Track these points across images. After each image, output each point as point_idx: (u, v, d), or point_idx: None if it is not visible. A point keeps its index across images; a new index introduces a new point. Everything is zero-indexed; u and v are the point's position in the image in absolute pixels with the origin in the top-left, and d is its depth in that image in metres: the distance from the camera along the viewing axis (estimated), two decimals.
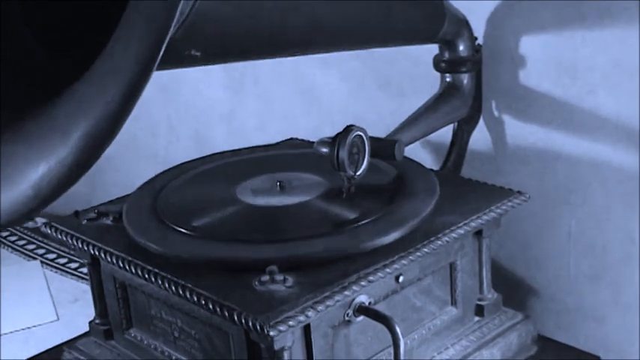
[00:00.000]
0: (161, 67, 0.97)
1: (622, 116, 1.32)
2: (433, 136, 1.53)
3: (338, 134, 1.17)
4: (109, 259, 1.15)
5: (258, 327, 0.95)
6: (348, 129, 1.17)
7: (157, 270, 1.08)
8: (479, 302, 1.27)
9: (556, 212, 1.44)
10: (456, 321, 1.23)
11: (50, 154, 0.67)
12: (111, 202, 1.30)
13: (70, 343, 1.33)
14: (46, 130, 0.69)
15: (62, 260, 2.24)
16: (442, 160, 1.49)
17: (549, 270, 1.47)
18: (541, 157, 1.43)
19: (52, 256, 2.30)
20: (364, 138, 1.19)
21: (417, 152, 1.52)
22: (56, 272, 2.20)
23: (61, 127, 0.68)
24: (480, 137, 1.49)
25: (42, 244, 2.37)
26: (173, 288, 1.05)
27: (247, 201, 1.21)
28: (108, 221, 1.23)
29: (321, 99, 1.76)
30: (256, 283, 1.02)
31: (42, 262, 2.28)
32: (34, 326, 1.90)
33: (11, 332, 1.89)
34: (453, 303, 1.23)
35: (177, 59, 0.89)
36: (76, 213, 1.25)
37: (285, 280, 1.02)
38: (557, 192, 1.43)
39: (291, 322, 0.97)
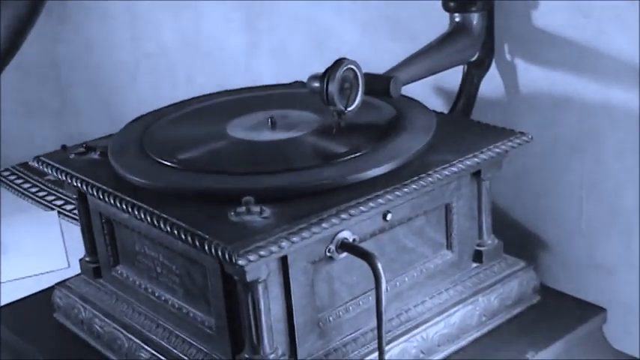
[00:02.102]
0: None
1: (636, 57, 1.25)
2: (446, 83, 1.48)
3: (328, 68, 1.12)
4: (91, 191, 1.12)
5: (227, 256, 0.92)
6: (339, 62, 1.13)
7: (134, 201, 1.06)
8: (477, 248, 1.22)
9: (568, 160, 1.37)
10: (452, 265, 1.19)
11: None
12: (102, 138, 1.28)
13: (61, 283, 1.31)
14: None
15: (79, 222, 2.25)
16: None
17: (560, 221, 1.41)
18: (553, 102, 1.37)
19: (69, 207, 2.31)
20: (357, 72, 1.14)
21: (429, 98, 1.47)
22: (71, 222, 2.21)
23: None
24: (491, 83, 1.43)
25: (61, 196, 2.38)
26: (149, 218, 1.02)
27: (237, 136, 1.18)
28: (95, 155, 1.21)
29: (335, 46, 1.72)
30: (232, 213, 0.99)
31: (59, 212, 2.29)
32: (46, 272, 1.91)
33: (23, 278, 1.91)
34: (449, 247, 1.18)
35: None
36: (64, 147, 1.23)
37: (261, 211, 0.99)
38: (569, 139, 1.36)
39: (262, 252, 0.93)
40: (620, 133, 1.30)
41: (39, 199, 2.40)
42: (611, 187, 1.33)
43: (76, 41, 2.68)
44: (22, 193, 2.45)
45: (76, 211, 2.25)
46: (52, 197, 2.39)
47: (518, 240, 1.43)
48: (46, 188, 2.45)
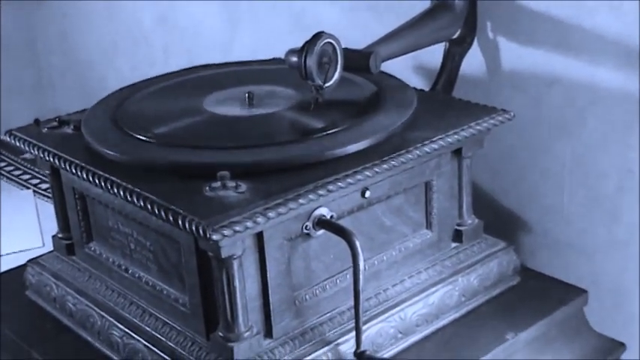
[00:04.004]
0: None
1: (622, 36, 1.23)
2: (426, 61, 1.46)
3: (307, 41, 1.10)
4: (64, 166, 1.09)
5: (202, 231, 0.89)
6: (317, 36, 1.10)
7: (107, 175, 1.03)
8: (457, 227, 1.20)
9: (551, 141, 1.36)
10: (431, 245, 1.17)
11: None
12: (76, 112, 1.25)
13: (33, 260, 1.28)
14: None
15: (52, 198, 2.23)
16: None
17: (542, 203, 1.40)
18: (537, 82, 1.35)
19: (45, 186, 2.28)
20: (336, 47, 1.12)
21: (409, 77, 1.45)
22: (47, 201, 2.18)
23: None
24: (473, 61, 1.41)
25: (36, 175, 2.35)
26: (122, 193, 1.00)
27: (213, 111, 1.15)
28: (69, 130, 1.18)
29: (315, 24, 1.68)
30: (207, 188, 0.96)
31: (35, 191, 2.26)
32: (20, 251, 1.88)
33: None
34: (428, 226, 1.16)
35: None
36: (37, 121, 1.20)
37: (237, 186, 0.96)
38: (552, 119, 1.35)
39: (237, 228, 0.91)
40: (605, 113, 1.28)
41: (14, 178, 2.37)
42: (594, 168, 1.31)
43: (52, 20, 2.64)
44: None
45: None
46: (28, 176, 2.36)
47: (499, 221, 1.41)
48: (21, 167, 2.42)
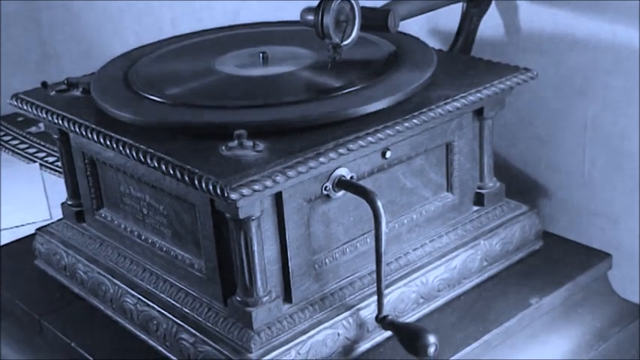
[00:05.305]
0: None
1: None
2: (442, 24, 1.42)
3: None
4: (74, 128, 1.06)
5: (219, 190, 0.86)
6: None
7: (119, 136, 0.99)
8: (479, 190, 1.17)
9: (571, 104, 1.32)
10: (452, 208, 1.13)
11: None
12: (85, 75, 1.21)
13: (42, 228, 1.25)
14: None
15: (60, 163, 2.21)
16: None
17: (563, 167, 1.36)
18: (556, 43, 1.31)
19: (51, 159, 2.25)
20: (353, 4, 1.08)
21: (425, 40, 1.41)
22: (53, 174, 2.15)
23: None
24: (491, 23, 1.37)
25: (42, 148, 2.32)
26: (134, 154, 0.96)
27: (226, 71, 1.12)
28: (77, 92, 1.15)
29: None
30: (223, 148, 0.93)
31: (41, 164, 2.23)
32: (28, 224, 1.86)
33: (4, 229, 1.86)
34: (449, 188, 1.13)
35: None
36: (44, 84, 1.16)
37: (255, 145, 0.93)
38: (573, 81, 1.31)
39: (256, 187, 0.87)
40: (628, 75, 1.24)
41: (20, 152, 2.34)
42: (616, 131, 1.28)
43: None
44: (3, 146, 2.39)
45: (58, 164, 2.20)
46: (34, 150, 2.33)
47: (518, 187, 1.38)
48: (27, 141, 2.39)
